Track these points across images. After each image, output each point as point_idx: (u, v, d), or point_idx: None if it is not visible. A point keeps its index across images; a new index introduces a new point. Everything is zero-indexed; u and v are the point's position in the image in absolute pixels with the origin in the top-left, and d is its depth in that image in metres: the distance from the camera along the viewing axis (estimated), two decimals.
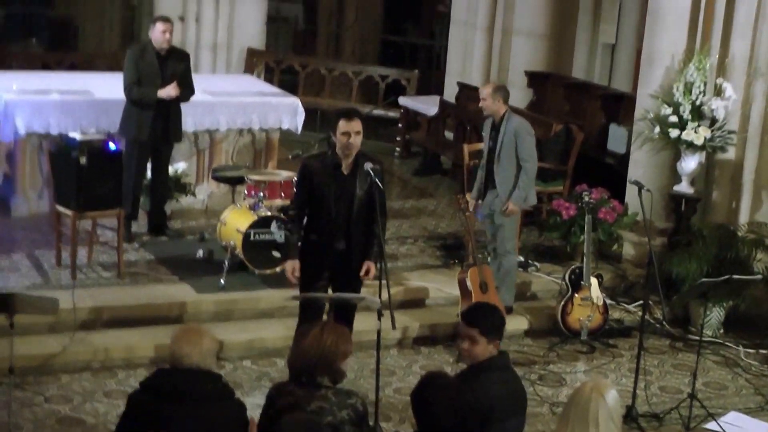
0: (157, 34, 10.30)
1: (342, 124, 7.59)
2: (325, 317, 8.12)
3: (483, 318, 5.94)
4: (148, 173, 10.69)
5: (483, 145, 9.92)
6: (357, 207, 7.70)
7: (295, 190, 8.09)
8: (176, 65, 10.42)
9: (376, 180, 7.84)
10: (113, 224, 10.04)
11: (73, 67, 13.76)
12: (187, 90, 10.50)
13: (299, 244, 7.84)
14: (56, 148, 9.95)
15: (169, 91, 10.25)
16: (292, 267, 7.79)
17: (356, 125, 7.61)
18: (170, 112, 10.40)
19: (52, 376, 8.45)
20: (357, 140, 7.62)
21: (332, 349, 5.58)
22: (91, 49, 16.05)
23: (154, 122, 10.28)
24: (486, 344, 5.87)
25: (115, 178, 9.57)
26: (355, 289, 7.90)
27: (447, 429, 5.07)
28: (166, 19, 10.50)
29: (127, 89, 10.25)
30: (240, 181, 10.42)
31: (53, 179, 9.83)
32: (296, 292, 8.02)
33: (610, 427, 5.02)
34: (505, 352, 6.15)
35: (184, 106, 10.56)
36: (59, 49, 16.57)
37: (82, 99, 10.99)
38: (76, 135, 9.55)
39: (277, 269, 9.62)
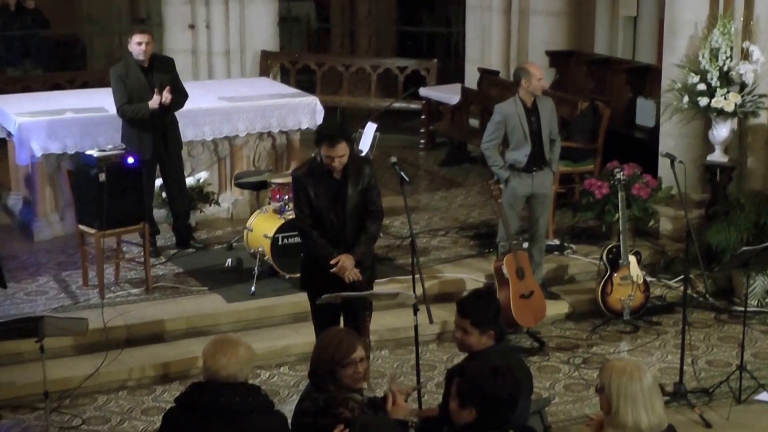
0: (132, 46, 10.05)
1: (324, 149, 7.32)
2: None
3: (475, 309, 5.91)
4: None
5: (510, 130, 9.59)
6: (350, 210, 7.49)
7: (295, 202, 7.68)
8: (163, 74, 10.17)
9: (402, 174, 7.74)
10: (138, 240, 9.92)
11: (85, 85, 13.65)
12: (179, 96, 10.25)
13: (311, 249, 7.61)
14: (75, 167, 9.83)
15: (156, 101, 9.93)
16: (347, 261, 7.48)
17: (340, 150, 7.30)
18: (167, 124, 10.19)
19: (88, 397, 8.38)
20: (341, 162, 7.35)
21: (330, 354, 5.50)
22: (101, 66, 15.95)
23: (154, 138, 10.09)
24: (479, 335, 5.85)
25: (136, 193, 9.44)
26: (360, 290, 7.60)
27: (511, 406, 5.01)
28: (142, 30, 10.29)
29: (120, 110, 10.02)
30: (263, 185, 10.29)
31: (74, 199, 9.69)
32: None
33: (660, 400, 5.05)
34: (503, 337, 6.12)
35: (200, 114, 10.39)
36: (66, 68, 16.46)
37: (98, 116, 10.84)
38: (93, 152, 9.39)
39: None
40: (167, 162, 10.28)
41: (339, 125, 7.75)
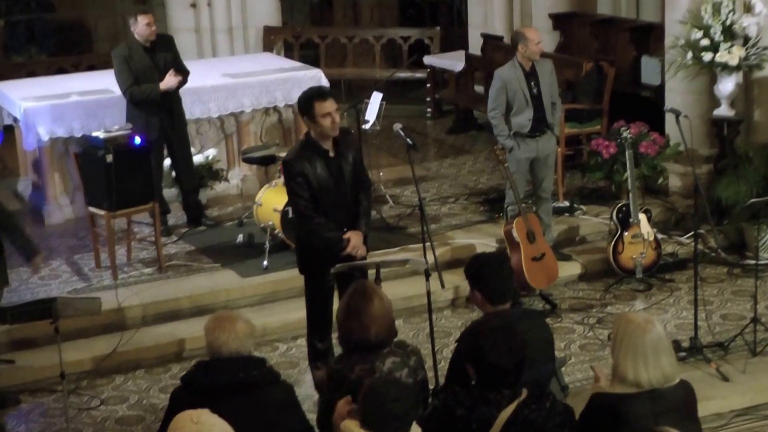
0: (141, 28, 10.02)
1: (320, 106, 7.10)
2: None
3: (467, 267, 5.99)
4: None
5: (511, 95, 9.56)
6: (350, 187, 7.38)
7: (291, 188, 7.41)
8: (166, 53, 10.19)
9: (408, 139, 7.74)
10: (149, 220, 9.94)
11: (91, 68, 13.62)
12: (183, 74, 10.25)
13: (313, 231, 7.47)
14: (82, 150, 9.83)
15: (170, 82, 10.00)
16: (358, 239, 7.39)
17: (332, 103, 7.16)
18: (172, 102, 10.19)
19: (106, 377, 8.43)
20: (337, 115, 7.21)
21: (390, 309, 5.52)
22: (106, 49, 15.93)
23: (161, 117, 10.10)
24: (472, 293, 5.92)
25: (144, 173, 9.45)
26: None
27: (509, 370, 4.92)
28: (145, 11, 10.28)
29: (127, 92, 10.00)
30: (271, 160, 10.29)
31: (83, 181, 9.70)
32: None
33: (668, 356, 4.96)
34: (517, 306, 6.21)
35: (204, 92, 10.40)
36: (70, 53, 16.42)
37: (103, 98, 10.84)
38: (100, 134, 9.40)
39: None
40: (174, 140, 10.29)
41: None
